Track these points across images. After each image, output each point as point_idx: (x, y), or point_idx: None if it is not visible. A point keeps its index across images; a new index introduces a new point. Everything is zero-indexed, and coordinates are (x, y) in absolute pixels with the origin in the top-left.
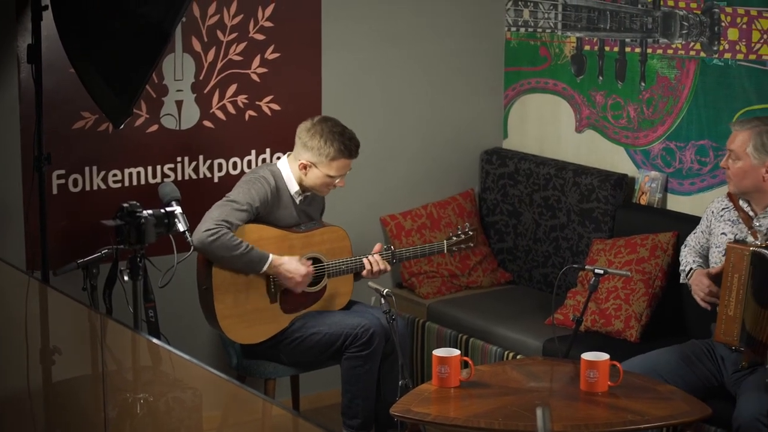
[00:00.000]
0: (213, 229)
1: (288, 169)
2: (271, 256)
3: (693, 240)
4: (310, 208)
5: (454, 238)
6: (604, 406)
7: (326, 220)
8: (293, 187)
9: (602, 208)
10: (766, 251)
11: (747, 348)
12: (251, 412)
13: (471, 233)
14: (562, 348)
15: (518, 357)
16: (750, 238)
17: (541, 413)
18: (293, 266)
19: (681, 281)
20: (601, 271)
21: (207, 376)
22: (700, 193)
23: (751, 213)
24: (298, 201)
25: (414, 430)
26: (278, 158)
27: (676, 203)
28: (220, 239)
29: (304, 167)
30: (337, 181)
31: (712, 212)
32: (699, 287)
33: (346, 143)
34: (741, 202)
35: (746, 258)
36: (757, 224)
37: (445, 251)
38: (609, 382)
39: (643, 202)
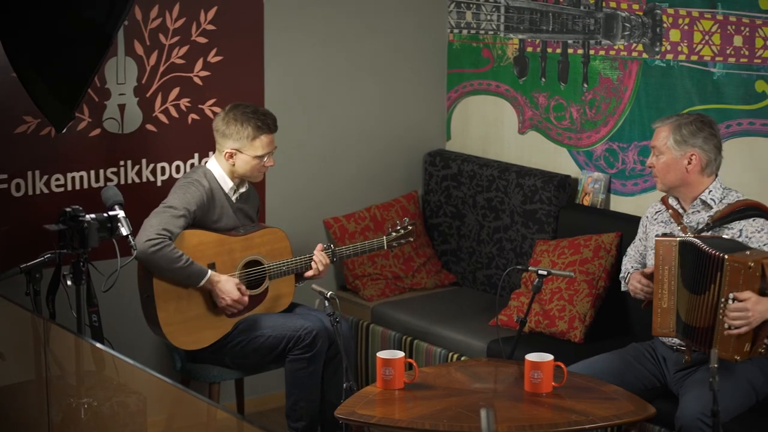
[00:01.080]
0: (155, 239)
1: (218, 167)
2: (209, 272)
3: (632, 249)
4: (246, 206)
5: (393, 234)
6: (548, 406)
7: (270, 223)
8: (227, 185)
9: (545, 209)
10: (693, 239)
11: (684, 338)
12: (196, 415)
13: (410, 228)
14: (506, 349)
15: (462, 358)
16: (680, 234)
17: (485, 414)
18: (228, 287)
19: (622, 289)
20: (545, 272)
21: (151, 380)
22: (643, 194)
23: (680, 210)
24: (234, 199)
25: None
26: (205, 162)
27: (619, 204)
28: (162, 250)
29: (231, 156)
30: (265, 160)
31: (647, 217)
32: (634, 285)
33: (261, 118)
34: (671, 201)
35: (674, 249)
36: (687, 220)
37: (385, 247)
38: (553, 383)
39: (586, 203)
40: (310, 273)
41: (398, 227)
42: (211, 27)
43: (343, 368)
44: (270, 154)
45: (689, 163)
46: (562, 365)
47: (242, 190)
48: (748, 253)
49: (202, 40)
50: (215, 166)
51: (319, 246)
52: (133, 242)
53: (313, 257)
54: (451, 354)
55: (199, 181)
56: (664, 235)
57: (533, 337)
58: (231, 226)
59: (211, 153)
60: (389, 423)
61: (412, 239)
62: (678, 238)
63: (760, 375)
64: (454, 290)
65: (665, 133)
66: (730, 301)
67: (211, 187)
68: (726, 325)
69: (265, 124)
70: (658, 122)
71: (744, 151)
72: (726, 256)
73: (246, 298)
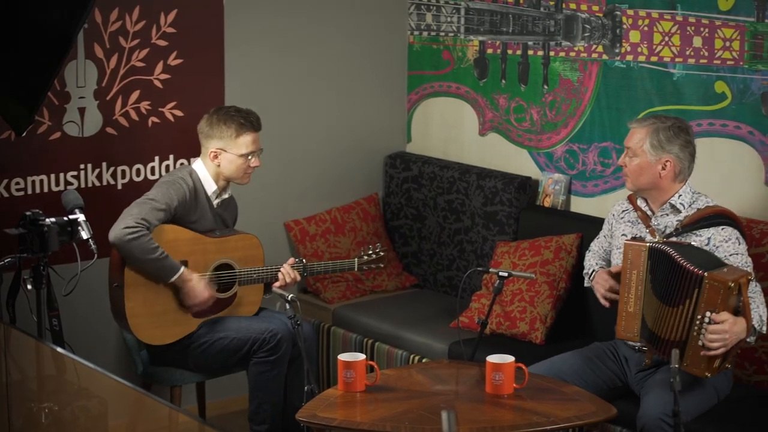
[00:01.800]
0: (133, 227)
1: (203, 168)
2: (183, 269)
3: (596, 245)
4: (225, 213)
5: (365, 257)
6: (509, 408)
7: (234, 226)
8: (210, 188)
9: (506, 211)
10: (663, 246)
11: (648, 344)
12: (157, 419)
13: (382, 254)
14: (467, 351)
15: (424, 360)
16: (648, 237)
17: (447, 416)
18: (199, 287)
19: (585, 285)
20: (506, 274)
21: (112, 384)
22: (604, 195)
23: (649, 212)
24: (215, 204)
25: None
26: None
27: (580, 205)
28: (138, 239)
29: (216, 156)
30: (251, 161)
31: (613, 215)
32: (600, 284)
33: (244, 116)
34: (639, 202)
35: (643, 254)
36: (655, 223)
37: (356, 269)
38: (514, 385)
39: (546, 205)
40: (277, 284)
41: (370, 251)
42: (171, 30)
43: (304, 371)
44: (255, 153)
45: (663, 169)
46: (524, 367)
47: (225, 196)
48: (725, 270)
49: (162, 43)
50: (201, 167)
51: (291, 260)
52: (93, 246)
53: (281, 270)
54: (412, 356)
55: (183, 179)
56: (633, 238)
57: (494, 339)
58: (208, 229)
59: (171, 156)
60: (350, 426)
61: (382, 266)
62: (648, 244)
63: (722, 376)
64: (415, 292)
65: (641, 135)
66: (706, 320)
67: (195, 187)
68: (700, 343)
69: (248, 121)
70: (635, 122)
71: (704, 151)
72: (706, 274)
73: (212, 301)
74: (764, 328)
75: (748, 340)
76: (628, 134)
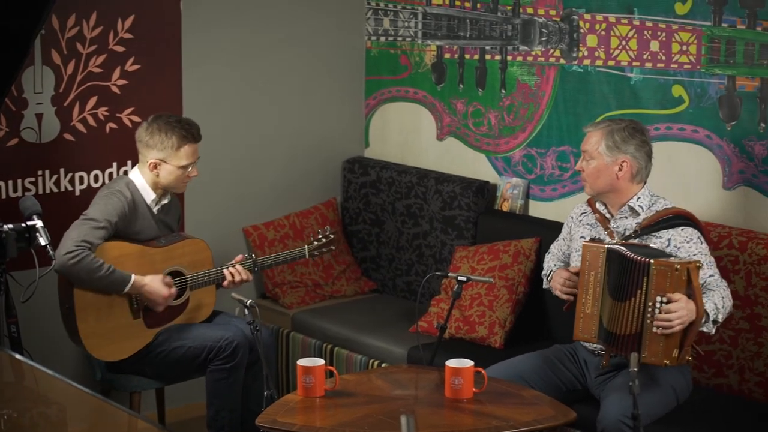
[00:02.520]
0: (74, 251)
1: (140, 177)
2: (133, 277)
3: (555, 247)
4: (167, 217)
5: (315, 243)
6: (469, 412)
7: (189, 232)
8: (149, 196)
9: (464, 215)
10: (620, 248)
11: (605, 344)
12: (117, 426)
13: (332, 236)
14: (426, 355)
15: (383, 365)
16: (607, 239)
17: (406, 421)
18: (155, 287)
19: (544, 286)
20: (464, 278)
21: (71, 390)
22: (562, 199)
23: (607, 215)
24: (155, 211)
25: None
26: (125, 172)
27: (538, 209)
28: (81, 262)
29: (155, 167)
30: (190, 171)
31: (572, 218)
32: (557, 280)
33: (186, 128)
34: (598, 205)
35: (602, 255)
36: (614, 225)
37: (307, 256)
38: (474, 389)
39: (505, 209)
40: (225, 284)
41: (319, 236)
42: (128, 35)
43: (263, 376)
44: (194, 164)
45: (620, 170)
46: (483, 371)
47: (164, 201)
48: (672, 258)
49: (119, 48)
50: (138, 176)
51: (239, 257)
52: (51, 252)
53: (228, 268)
54: (371, 361)
55: (121, 192)
56: (592, 240)
57: (453, 343)
58: (152, 237)
59: (129, 162)
60: (310, 431)
61: (333, 248)
62: (606, 245)
63: (681, 379)
64: (374, 297)
65: (597, 137)
66: (658, 304)
67: (134, 198)
68: (655, 329)
69: (190, 133)
70: (590, 126)
71: (662, 155)
72: (652, 261)
73: (175, 290)
74: (719, 317)
75: (704, 329)
76: (584, 138)
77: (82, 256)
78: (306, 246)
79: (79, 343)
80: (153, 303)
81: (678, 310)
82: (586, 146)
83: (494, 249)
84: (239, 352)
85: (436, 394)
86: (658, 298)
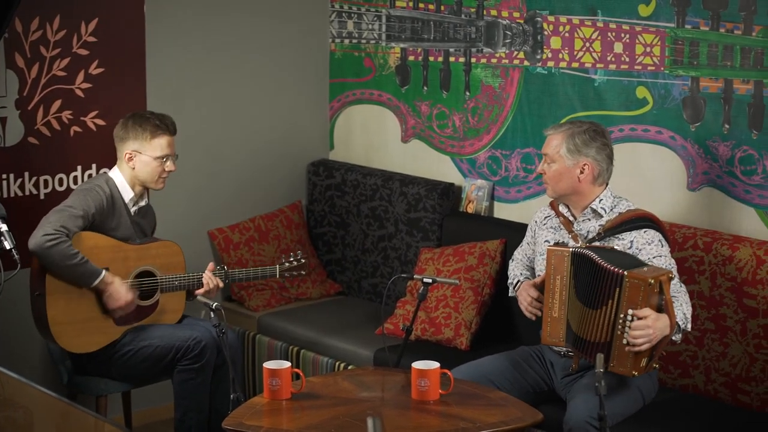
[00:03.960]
0: (52, 234)
1: (120, 175)
2: (104, 272)
3: (519, 253)
4: (143, 221)
5: (287, 264)
6: (435, 414)
7: (155, 234)
8: (128, 195)
9: (430, 217)
10: (586, 251)
11: (574, 348)
12: (83, 429)
13: (303, 261)
14: (392, 357)
15: (349, 367)
16: (571, 242)
17: (372, 423)
18: (122, 290)
19: (510, 295)
20: (430, 280)
21: (37, 394)
22: (527, 201)
23: (571, 218)
24: (132, 211)
25: None
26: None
27: (503, 211)
28: (58, 246)
29: (131, 158)
30: (166, 164)
31: (536, 222)
32: (523, 297)
33: (159, 119)
34: (561, 208)
35: (566, 259)
36: (578, 228)
37: (277, 276)
38: (440, 390)
39: (470, 211)
40: (201, 291)
41: (291, 258)
42: (92, 39)
43: (230, 379)
44: (170, 158)
45: (581, 173)
46: (449, 372)
47: (142, 203)
48: (645, 269)
49: (83, 52)
50: (117, 174)
51: (210, 265)
52: (17, 256)
53: (203, 277)
54: (338, 363)
55: (100, 187)
56: (556, 243)
57: (420, 345)
58: (127, 237)
59: (94, 165)
60: None
61: (304, 273)
62: (570, 249)
63: (648, 379)
64: (339, 299)
65: (558, 141)
66: (629, 318)
67: (112, 194)
68: (624, 341)
69: (164, 124)
70: (551, 129)
71: (626, 157)
72: (626, 273)
73: (134, 305)
74: (689, 326)
75: (673, 338)
76: (545, 141)
77: (60, 240)
78: (277, 266)
79: (46, 331)
80: (113, 303)
81: (644, 329)
82: (547, 149)
83: (459, 251)
84: (207, 352)
85: (402, 395)
86: (630, 311)
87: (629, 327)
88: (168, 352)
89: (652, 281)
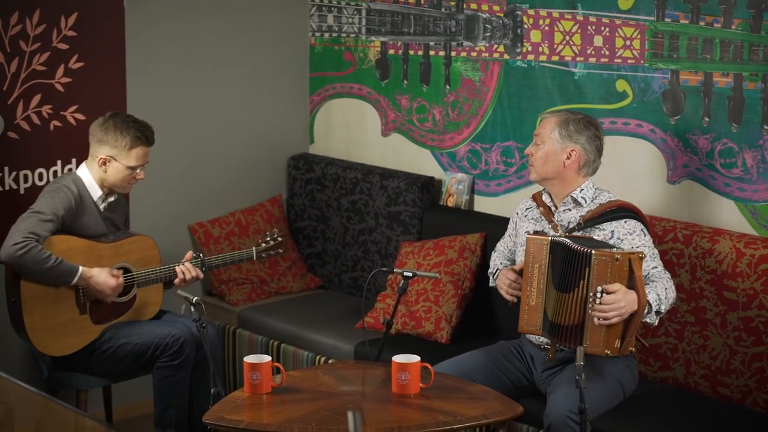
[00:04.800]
0: (21, 242)
1: (88, 174)
2: (80, 268)
3: (501, 245)
4: (114, 215)
5: (263, 245)
6: (416, 407)
7: (134, 230)
8: (96, 193)
9: (410, 211)
10: (564, 239)
11: (550, 336)
12: (64, 425)
13: (280, 239)
14: (373, 351)
15: (330, 361)
16: (551, 232)
17: (352, 417)
18: (102, 278)
19: (490, 285)
20: (410, 274)
21: (17, 390)
22: (507, 194)
23: (552, 207)
24: (102, 208)
25: None
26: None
27: (483, 204)
28: (29, 252)
29: (104, 162)
30: (138, 173)
31: (518, 214)
32: (502, 281)
33: (141, 129)
34: (543, 197)
35: (545, 248)
36: (558, 218)
37: (255, 258)
38: (421, 384)
39: (450, 204)
40: (177, 281)
41: (267, 238)
42: (72, 33)
43: (210, 374)
44: (143, 167)
45: (568, 158)
46: (429, 366)
47: (111, 199)
48: (615, 249)
49: (63, 46)
50: (85, 173)
51: (188, 254)
52: None
53: (179, 266)
54: (318, 357)
55: (68, 186)
56: (536, 232)
57: (400, 339)
58: (99, 234)
59: (74, 159)
60: (258, 428)
61: (281, 251)
62: (549, 237)
63: (627, 372)
64: (320, 293)
65: (552, 124)
66: (599, 294)
67: (80, 193)
68: (595, 318)
69: (144, 135)
70: (547, 113)
71: (606, 150)
72: (593, 251)
73: (122, 280)
74: (662, 308)
75: (648, 320)
76: (540, 123)
77: (30, 246)
78: (254, 247)
79: (24, 336)
80: (101, 294)
81: (614, 302)
82: (540, 130)
83: (440, 244)
84: (186, 348)
85: (382, 389)
86: (599, 289)
87: (599, 302)
88: (147, 349)
89: (619, 257)
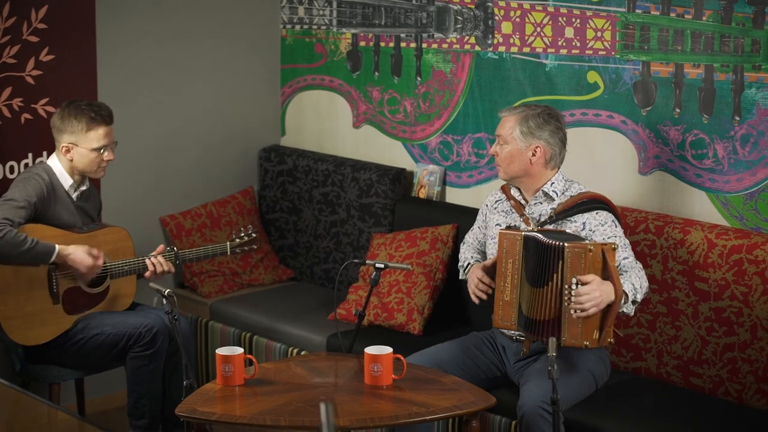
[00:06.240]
0: None
1: (58, 163)
2: (57, 247)
3: (470, 237)
4: (87, 204)
5: (237, 240)
6: (388, 399)
7: (106, 221)
8: (67, 182)
9: (381, 203)
10: (537, 234)
11: (525, 331)
12: (36, 417)
13: (254, 235)
14: (345, 343)
15: (302, 353)
16: (523, 225)
17: (325, 409)
18: (80, 256)
19: (460, 278)
20: (382, 265)
21: None
22: (478, 186)
23: (522, 201)
24: (74, 197)
25: (200, 430)
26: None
27: (455, 196)
28: (5, 237)
29: (68, 150)
30: (104, 154)
31: (487, 206)
32: (471, 279)
33: (95, 110)
34: (513, 191)
35: (518, 243)
36: (529, 212)
37: (228, 252)
38: (393, 376)
39: (422, 196)
40: (147, 274)
41: (242, 234)
42: (42, 26)
43: (183, 366)
44: (108, 147)
45: (533, 155)
46: (402, 357)
47: (83, 188)
48: (587, 241)
49: (33, 39)
50: (56, 163)
51: (160, 247)
52: None
53: (150, 259)
54: (290, 349)
55: (39, 175)
56: (508, 227)
57: (372, 331)
58: (72, 224)
59: (45, 152)
60: (230, 420)
61: (255, 247)
62: (522, 233)
63: (600, 363)
64: (292, 285)
65: (512, 122)
66: (574, 286)
67: (52, 181)
68: (572, 310)
69: (99, 115)
70: (506, 111)
71: (578, 141)
72: (566, 243)
73: (101, 261)
74: (638, 296)
75: (624, 310)
76: (499, 123)
77: (5, 231)
78: (228, 243)
79: None
80: (79, 273)
81: (590, 293)
82: (500, 131)
83: (411, 236)
84: (159, 339)
85: (355, 381)
86: (574, 281)
87: (575, 294)
88: (120, 340)
89: (593, 248)
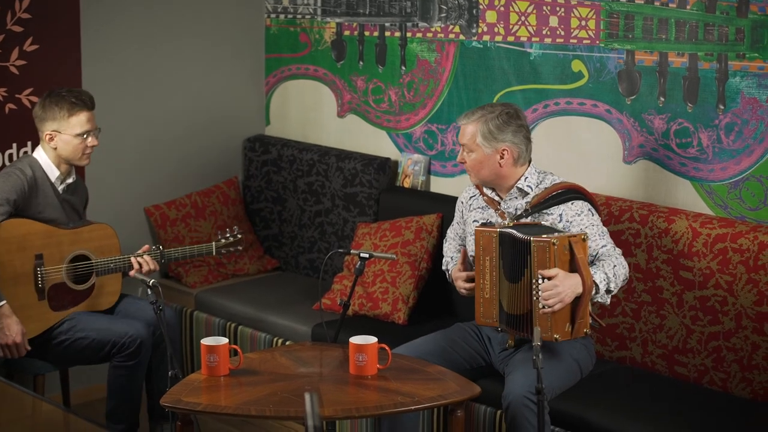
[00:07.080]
0: None
1: (44, 155)
2: (4, 302)
3: (451, 232)
4: (73, 198)
5: (223, 241)
6: (373, 389)
7: (90, 213)
8: (53, 174)
9: (366, 192)
10: (512, 230)
11: (508, 327)
12: (21, 409)
13: (239, 236)
14: (330, 333)
15: (287, 343)
16: (499, 220)
17: (309, 398)
18: (14, 328)
19: (448, 280)
20: (367, 255)
21: None
22: (463, 175)
23: (496, 198)
24: (60, 190)
25: (185, 420)
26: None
27: (440, 185)
28: None
29: (51, 138)
30: (88, 140)
31: (462, 202)
32: (458, 285)
33: (76, 96)
34: (486, 189)
35: (494, 240)
36: (505, 206)
37: (214, 253)
38: (378, 365)
39: (406, 185)
40: (133, 272)
41: (228, 234)
42: (26, 15)
43: (168, 356)
44: (91, 133)
45: (502, 158)
46: (387, 347)
47: (69, 180)
48: (555, 234)
49: (17, 29)
50: (41, 154)
51: (145, 247)
52: None
53: (137, 258)
54: (275, 339)
55: (22, 170)
56: (483, 224)
57: (357, 320)
58: (56, 218)
59: (30, 143)
60: (215, 410)
61: (240, 248)
62: (498, 230)
63: (585, 352)
64: (277, 275)
65: (472, 129)
66: (540, 281)
67: (35, 176)
68: (540, 305)
69: (80, 100)
70: (463, 119)
71: (562, 130)
72: (531, 238)
73: (24, 351)
74: (611, 286)
75: (599, 299)
76: (460, 131)
77: None
78: (213, 243)
79: None
80: (2, 337)
81: (552, 288)
82: (463, 139)
83: (396, 225)
84: (142, 350)
85: (340, 371)
86: (539, 275)
87: (541, 289)
88: (104, 346)
89: (556, 242)
